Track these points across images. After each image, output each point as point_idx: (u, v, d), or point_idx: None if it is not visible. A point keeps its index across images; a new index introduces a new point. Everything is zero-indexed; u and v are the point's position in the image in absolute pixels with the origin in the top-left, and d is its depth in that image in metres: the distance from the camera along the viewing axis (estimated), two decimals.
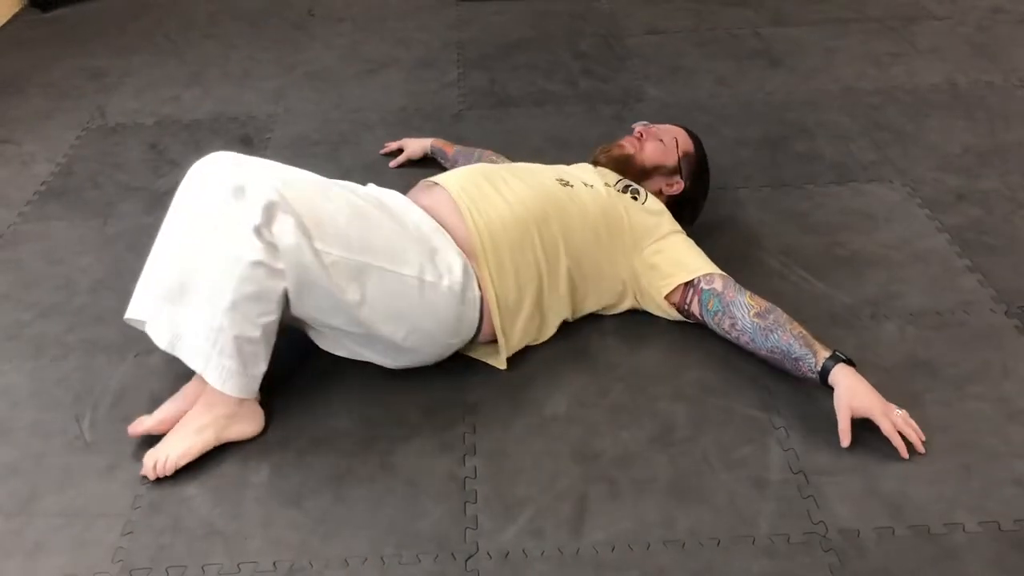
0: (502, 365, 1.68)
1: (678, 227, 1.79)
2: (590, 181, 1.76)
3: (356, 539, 1.41)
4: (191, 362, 1.50)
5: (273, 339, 1.51)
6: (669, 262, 1.73)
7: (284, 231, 1.42)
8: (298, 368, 1.70)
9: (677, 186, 1.87)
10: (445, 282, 1.57)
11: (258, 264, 1.41)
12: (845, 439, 1.50)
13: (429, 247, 1.59)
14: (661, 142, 1.87)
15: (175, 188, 2.26)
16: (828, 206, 2.14)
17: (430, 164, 2.31)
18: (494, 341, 1.68)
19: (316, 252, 1.44)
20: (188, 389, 1.59)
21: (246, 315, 1.45)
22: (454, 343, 1.64)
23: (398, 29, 3.14)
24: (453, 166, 2.21)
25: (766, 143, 2.40)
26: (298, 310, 1.49)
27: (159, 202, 2.23)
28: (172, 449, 1.50)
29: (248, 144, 2.46)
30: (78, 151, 2.47)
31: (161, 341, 1.53)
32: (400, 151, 2.35)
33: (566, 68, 2.83)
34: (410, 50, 2.98)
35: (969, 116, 2.48)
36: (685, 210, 1.90)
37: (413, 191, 1.78)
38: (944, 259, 1.95)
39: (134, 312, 1.61)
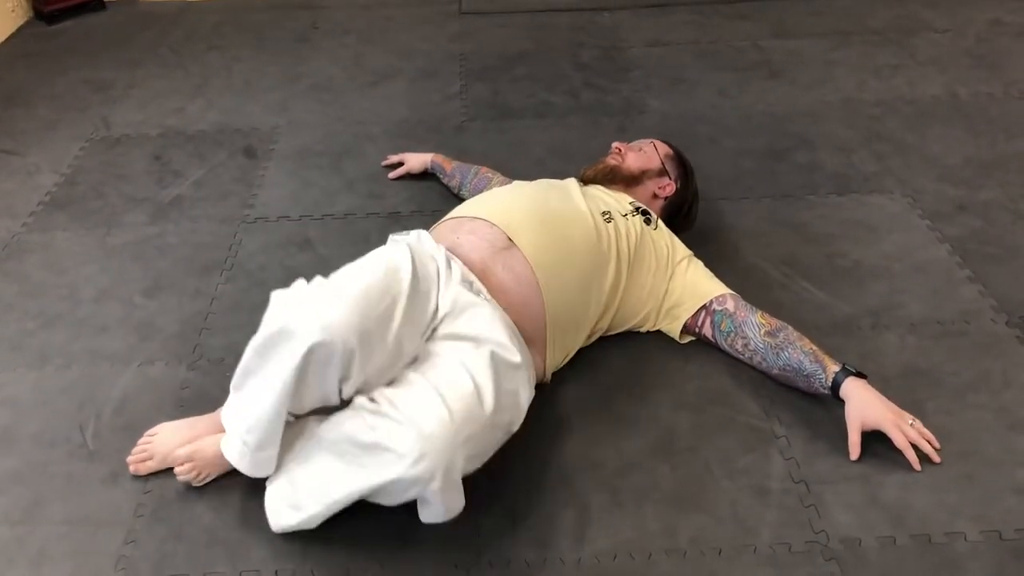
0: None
1: (689, 252, 1.80)
2: (624, 210, 1.77)
3: (358, 548, 1.41)
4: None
5: None
6: (684, 288, 1.74)
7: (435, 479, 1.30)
8: None
9: (669, 187, 1.89)
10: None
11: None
12: (854, 452, 1.50)
13: (518, 414, 1.47)
14: (641, 151, 1.92)
15: (178, 199, 2.31)
16: (829, 217, 2.14)
17: (430, 177, 2.32)
18: None
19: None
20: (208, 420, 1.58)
21: None
22: None
23: (401, 41, 3.15)
24: (451, 181, 2.23)
25: (767, 154, 2.41)
26: None
27: (163, 213, 2.24)
28: (213, 471, 1.50)
29: (252, 155, 2.48)
30: (82, 162, 2.48)
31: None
32: (400, 164, 2.36)
33: (568, 80, 2.84)
34: (413, 62, 3.00)
35: (969, 127, 2.49)
36: (681, 214, 1.92)
37: (485, 243, 1.62)
38: (945, 269, 1.96)
39: (257, 470, 1.46)
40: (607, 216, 1.72)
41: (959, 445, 1.54)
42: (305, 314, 1.33)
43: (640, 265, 1.73)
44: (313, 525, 1.39)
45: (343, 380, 1.36)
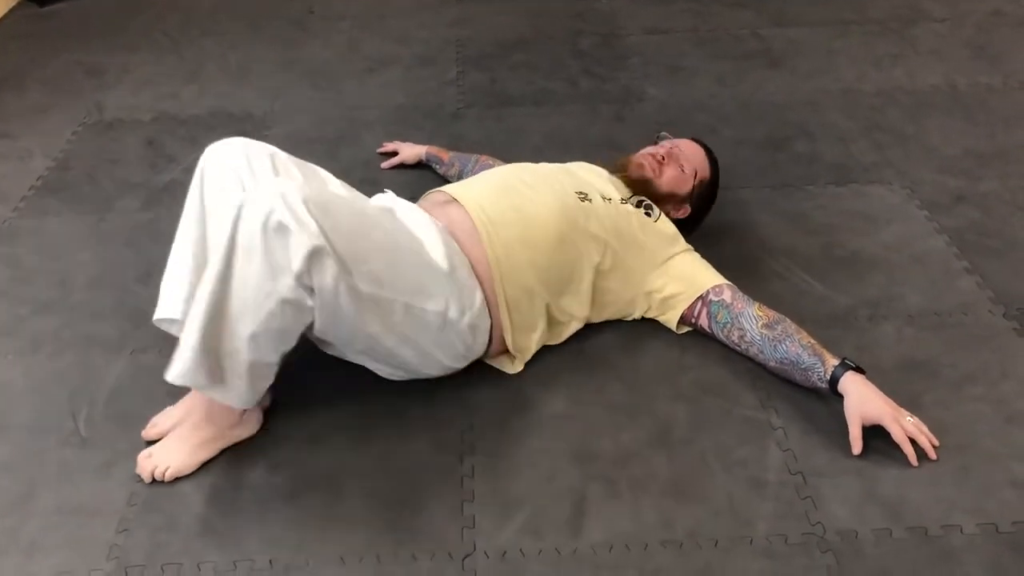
0: (517, 370, 1.68)
1: (688, 246, 1.78)
2: (608, 194, 1.74)
3: (353, 537, 1.40)
4: None
5: (285, 357, 1.48)
6: (681, 278, 1.72)
7: (324, 276, 1.34)
8: (296, 364, 1.68)
9: (683, 211, 1.86)
10: (466, 319, 1.54)
11: (289, 302, 1.36)
12: (856, 447, 1.49)
13: (455, 283, 1.53)
14: (681, 170, 1.83)
15: (172, 184, 2.29)
16: (828, 207, 2.13)
17: (424, 167, 2.30)
18: (505, 351, 1.68)
19: (350, 289, 1.38)
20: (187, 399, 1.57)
21: (266, 345, 1.41)
22: (460, 366, 1.63)
23: (398, 27, 3.13)
24: (449, 170, 2.21)
25: (766, 144, 2.40)
26: (318, 334, 1.46)
27: (156, 198, 2.23)
28: (173, 461, 1.49)
29: None
30: (75, 146, 2.46)
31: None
32: (396, 152, 2.34)
33: (566, 67, 2.82)
34: (410, 48, 2.98)
35: (969, 118, 2.48)
36: (686, 226, 1.89)
37: (428, 203, 1.72)
38: (943, 261, 1.95)
39: (166, 312, 1.59)
40: (583, 195, 1.70)
41: (956, 437, 1.53)
42: None
43: (624, 250, 1.70)
44: (194, 335, 1.37)
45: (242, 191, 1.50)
